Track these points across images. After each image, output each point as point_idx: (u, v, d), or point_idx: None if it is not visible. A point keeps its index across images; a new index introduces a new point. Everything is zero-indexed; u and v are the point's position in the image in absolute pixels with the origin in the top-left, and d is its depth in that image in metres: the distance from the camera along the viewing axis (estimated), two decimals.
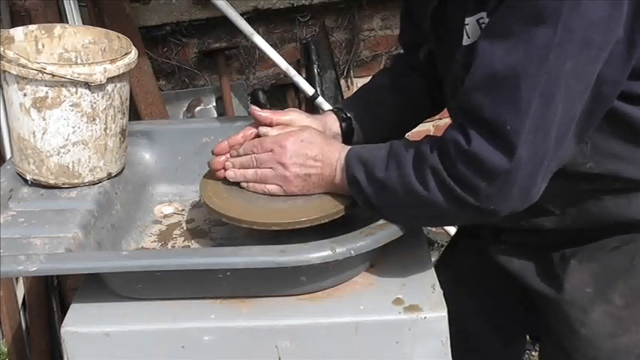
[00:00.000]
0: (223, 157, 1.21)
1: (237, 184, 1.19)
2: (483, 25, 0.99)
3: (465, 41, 1.02)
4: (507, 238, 1.24)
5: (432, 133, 2.86)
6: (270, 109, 2.66)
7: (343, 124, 1.27)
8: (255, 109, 1.21)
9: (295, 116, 1.22)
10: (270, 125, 1.20)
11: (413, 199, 1.01)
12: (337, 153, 1.12)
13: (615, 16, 0.91)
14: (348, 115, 1.27)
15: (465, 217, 1.02)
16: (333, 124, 1.27)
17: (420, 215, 1.04)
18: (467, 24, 1.01)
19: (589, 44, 0.91)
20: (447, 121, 3.09)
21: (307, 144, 1.13)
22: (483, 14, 0.99)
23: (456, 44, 1.06)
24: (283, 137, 1.15)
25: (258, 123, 1.22)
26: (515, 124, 0.92)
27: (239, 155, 1.19)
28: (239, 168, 1.18)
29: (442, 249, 2.66)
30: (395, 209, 1.05)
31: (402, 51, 1.42)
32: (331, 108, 1.32)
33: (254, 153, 1.17)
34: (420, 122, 1.38)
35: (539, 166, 0.95)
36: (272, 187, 1.16)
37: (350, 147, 1.13)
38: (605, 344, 1.17)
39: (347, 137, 1.27)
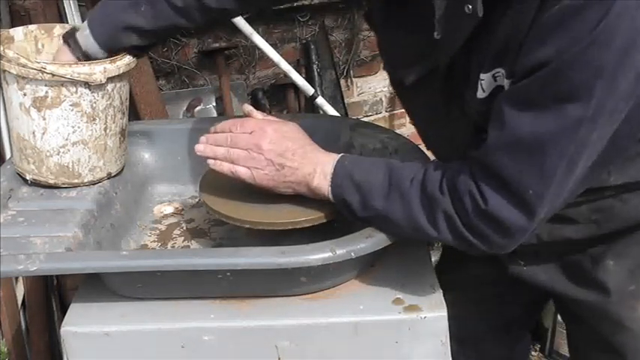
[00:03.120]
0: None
1: (237, 183, 1.19)
2: (498, 79, 0.97)
3: (480, 94, 1.00)
4: (522, 257, 1.24)
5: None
6: (270, 109, 2.67)
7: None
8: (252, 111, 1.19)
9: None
10: None
11: (419, 235, 1.02)
12: (321, 157, 1.09)
13: (637, 85, 0.91)
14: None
15: (469, 252, 1.03)
16: None
17: (420, 240, 1.07)
18: (482, 79, 0.99)
19: (615, 114, 0.92)
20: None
21: (289, 137, 1.10)
22: (500, 69, 0.97)
23: (469, 95, 1.03)
24: (266, 122, 1.13)
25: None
26: (540, 189, 0.93)
27: (216, 132, 1.15)
28: (212, 144, 1.14)
29: (442, 249, 2.67)
30: (393, 234, 1.05)
31: None
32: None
33: (231, 132, 1.12)
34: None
35: (548, 216, 0.99)
36: (241, 170, 1.10)
37: (337, 157, 1.08)
38: None
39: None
